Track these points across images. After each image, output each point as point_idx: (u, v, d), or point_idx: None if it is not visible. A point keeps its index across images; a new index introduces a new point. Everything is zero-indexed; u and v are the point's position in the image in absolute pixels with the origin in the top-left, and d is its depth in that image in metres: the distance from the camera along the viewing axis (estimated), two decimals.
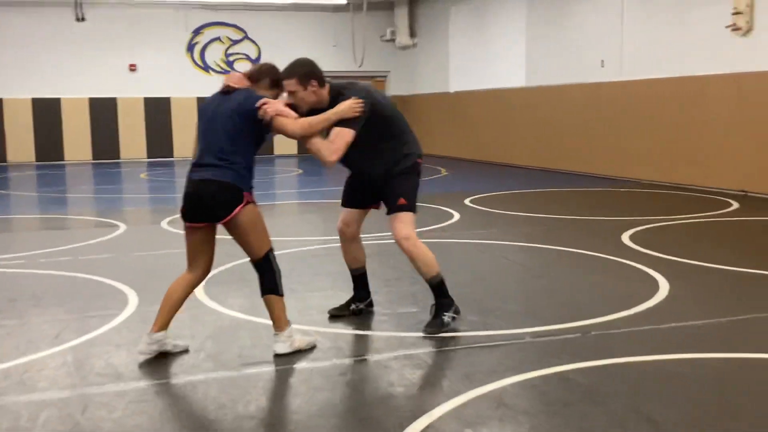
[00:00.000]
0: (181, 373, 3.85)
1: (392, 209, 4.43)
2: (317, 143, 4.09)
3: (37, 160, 18.93)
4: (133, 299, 5.26)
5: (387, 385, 3.69)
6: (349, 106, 4.12)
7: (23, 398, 3.54)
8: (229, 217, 3.89)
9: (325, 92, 4.25)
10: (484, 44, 17.11)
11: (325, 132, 4.18)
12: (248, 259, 4.08)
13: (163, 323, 4.01)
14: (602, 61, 13.21)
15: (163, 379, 3.79)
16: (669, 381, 3.70)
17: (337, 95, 4.23)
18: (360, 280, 4.83)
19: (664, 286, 5.47)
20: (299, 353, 4.07)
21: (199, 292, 5.38)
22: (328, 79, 4.29)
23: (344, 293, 5.38)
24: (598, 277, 6.00)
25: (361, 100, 4.15)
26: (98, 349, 4.22)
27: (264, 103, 3.91)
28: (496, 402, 3.43)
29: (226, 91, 4.04)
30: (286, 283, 5.59)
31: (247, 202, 3.93)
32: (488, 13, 16.87)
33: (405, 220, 4.42)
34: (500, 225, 8.47)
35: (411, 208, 4.45)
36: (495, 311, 4.91)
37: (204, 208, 3.94)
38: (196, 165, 3.99)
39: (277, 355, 4.02)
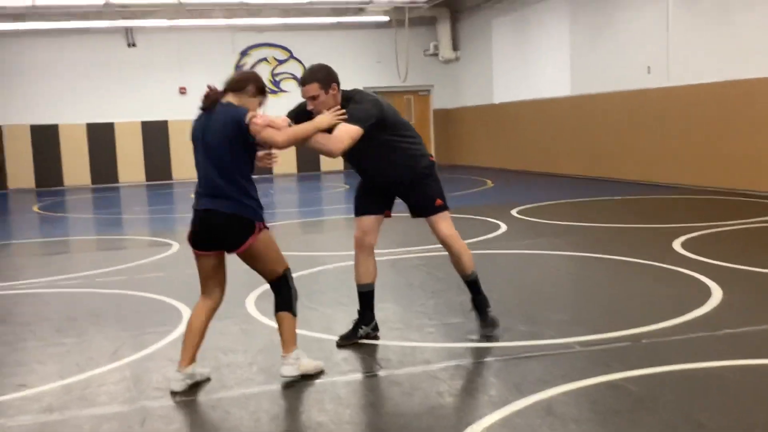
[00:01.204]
0: (234, 386, 3.94)
1: (431, 211, 4.53)
2: (320, 137, 4.03)
3: (92, 183, 19.51)
4: (186, 315, 5.37)
5: (436, 395, 3.72)
6: (330, 116, 4.08)
7: (85, 412, 3.67)
8: (242, 249, 3.86)
9: (340, 97, 4.26)
10: (527, 54, 17.07)
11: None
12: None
13: (191, 356, 3.93)
14: (648, 67, 13.06)
15: (218, 391, 3.88)
16: (721, 388, 3.65)
17: (346, 101, 4.24)
18: (368, 299, 4.60)
19: (716, 293, 5.38)
20: (353, 366, 4.13)
21: (250, 307, 5.49)
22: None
23: (392, 305, 5.44)
24: (648, 285, 5.93)
25: (342, 110, 4.12)
26: (155, 364, 4.34)
27: (253, 117, 3.81)
28: (545, 411, 3.43)
29: (207, 107, 3.90)
30: (336, 297, 5.72)
31: (260, 230, 3.87)
32: (531, 23, 16.84)
33: (447, 219, 4.57)
34: (548, 235, 8.43)
35: (447, 206, 4.59)
36: (544, 321, 4.90)
37: (216, 239, 3.89)
38: (199, 195, 3.92)
39: (283, 377, 3.93)
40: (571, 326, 4.77)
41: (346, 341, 4.53)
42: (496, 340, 4.54)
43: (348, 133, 4.08)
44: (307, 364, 4.01)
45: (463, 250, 4.58)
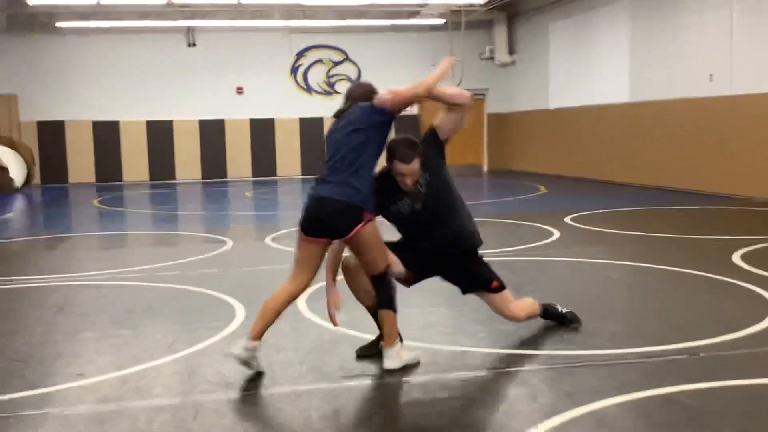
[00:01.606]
0: (285, 383, 3.99)
1: (488, 291, 4.48)
2: (448, 88, 4.15)
3: (150, 179, 19.94)
4: (240, 312, 5.47)
5: (486, 401, 3.70)
6: (448, 62, 4.20)
7: (140, 403, 3.75)
8: (350, 235, 3.99)
9: None
10: (585, 59, 16.85)
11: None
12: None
13: (260, 332, 4.06)
14: (710, 74, 12.76)
15: (269, 388, 3.93)
16: None
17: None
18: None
19: None
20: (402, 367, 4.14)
21: (301, 306, 5.54)
22: None
23: (444, 309, 5.43)
24: (706, 298, 5.79)
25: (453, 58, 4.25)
26: (208, 359, 4.42)
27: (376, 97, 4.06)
28: (598, 422, 3.38)
29: (339, 115, 4.17)
30: None
31: (368, 221, 4.01)
32: (590, 28, 16.61)
33: (510, 298, 4.53)
34: (602, 243, 8.30)
35: (504, 285, 4.53)
36: (598, 330, 4.83)
37: (324, 225, 4.02)
38: (320, 180, 4.09)
39: (387, 371, 4.06)
40: (625, 337, 4.69)
41: (366, 351, 4.36)
42: (549, 348, 4.49)
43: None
44: (407, 356, 4.16)
45: (530, 315, 4.66)
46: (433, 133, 4.26)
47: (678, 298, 5.83)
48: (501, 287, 4.49)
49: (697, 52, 13.10)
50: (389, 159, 4.14)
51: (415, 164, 4.11)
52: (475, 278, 4.47)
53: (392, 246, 4.37)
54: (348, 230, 3.98)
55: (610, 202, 12.32)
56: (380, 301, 4.11)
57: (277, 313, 4.11)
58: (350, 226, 3.97)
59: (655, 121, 14.33)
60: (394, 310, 4.10)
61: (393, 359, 4.10)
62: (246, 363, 4.04)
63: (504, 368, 4.14)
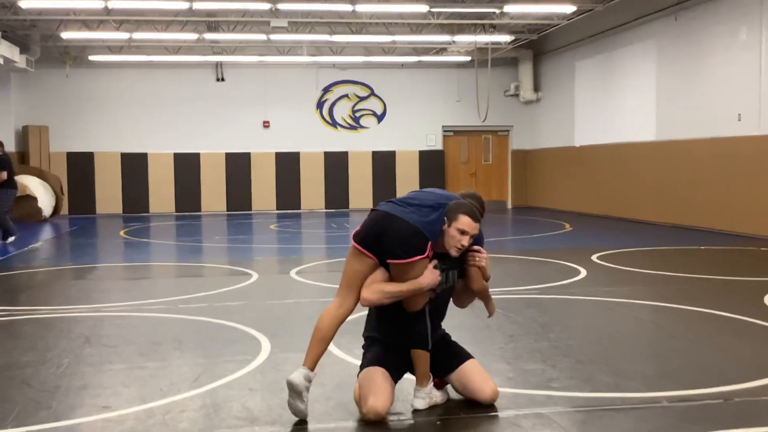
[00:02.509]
0: (312, 420, 3.94)
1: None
2: (487, 290, 4.21)
3: (176, 211, 20.12)
4: (265, 345, 5.45)
5: None
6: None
7: None
8: (405, 261, 3.84)
9: None
10: (611, 98, 16.85)
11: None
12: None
13: (314, 359, 3.96)
14: (739, 114, 12.68)
15: (295, 424, 3.89)
16: None
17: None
18: None
19: None
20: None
21: None
22: None
23: (469, 347, 5.35)
24: (737, 340, 5.67)
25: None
26: (235, 393, 4.39)
27: (480, 251, 4.05)
28: None
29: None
30: None
31: (426, 256, 3.88)
32: (616, 66, 16.63)
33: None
34: (630, 283, 8.20)
35: None
36: (628, 372, 4.74)
37: (381, 242, 3.89)
38: (390, 201, 4.02)
39: (415, 411, 4.00)
40: (657, 380, 4.60)
41: None
42: (579, 389, 4.41)
43: None
44: (436, 395, 4.12)
45: None
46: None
47: (709, 341, 5.73)
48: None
49: (725, 91, 13.04)
50: (455, 213, 3.91)
51: (478, 228, 3.97)
52: (456, 354, 4.29)
53: (380, 352, 4.09)
54: (406, 255, 3.82)
55: (637, 240, 12.19)
56: (415, 340, 4.00)
57: (330, 340, 4.01)
58: (409, 252, 3.82)
59: (683, 160, 14.24)
60: (428, 349, 4.03)
61: (423, 399, 4.04)
62: (299, 395, 3.86)
63: (534, 410, 4.06)
